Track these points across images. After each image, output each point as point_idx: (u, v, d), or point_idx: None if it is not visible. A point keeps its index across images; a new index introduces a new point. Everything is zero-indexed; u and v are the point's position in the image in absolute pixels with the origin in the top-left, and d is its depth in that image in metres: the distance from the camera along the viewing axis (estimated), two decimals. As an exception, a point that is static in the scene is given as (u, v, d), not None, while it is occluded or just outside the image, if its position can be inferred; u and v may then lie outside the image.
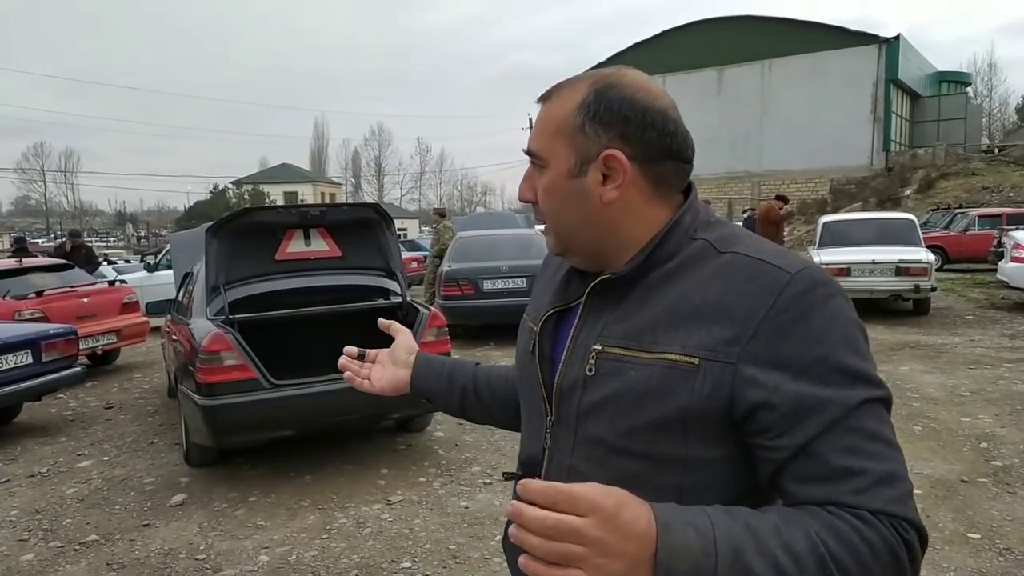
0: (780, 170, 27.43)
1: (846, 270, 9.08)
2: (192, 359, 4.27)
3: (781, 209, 12.26)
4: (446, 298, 9.00)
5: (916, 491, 0.85)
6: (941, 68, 33.29)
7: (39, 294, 7.60)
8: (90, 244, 17.54)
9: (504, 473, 0.90)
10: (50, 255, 11.63)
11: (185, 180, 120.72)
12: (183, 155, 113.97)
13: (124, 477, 4.69)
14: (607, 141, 0.84)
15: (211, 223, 5.00)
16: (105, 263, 16.56)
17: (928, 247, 9.94)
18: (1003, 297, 11.06)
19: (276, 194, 55.80)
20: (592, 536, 0.64)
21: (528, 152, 0.91)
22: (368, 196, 74.11)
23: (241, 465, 4.75)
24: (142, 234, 66.56)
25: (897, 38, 26.21)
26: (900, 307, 9.91)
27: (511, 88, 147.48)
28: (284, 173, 65.39)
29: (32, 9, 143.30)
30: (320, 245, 5.14)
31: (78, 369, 6.10)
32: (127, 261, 22.32)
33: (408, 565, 3.34)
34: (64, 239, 12.69)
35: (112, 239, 66.15)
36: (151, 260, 13.61)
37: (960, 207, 18.24)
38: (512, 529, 0.66)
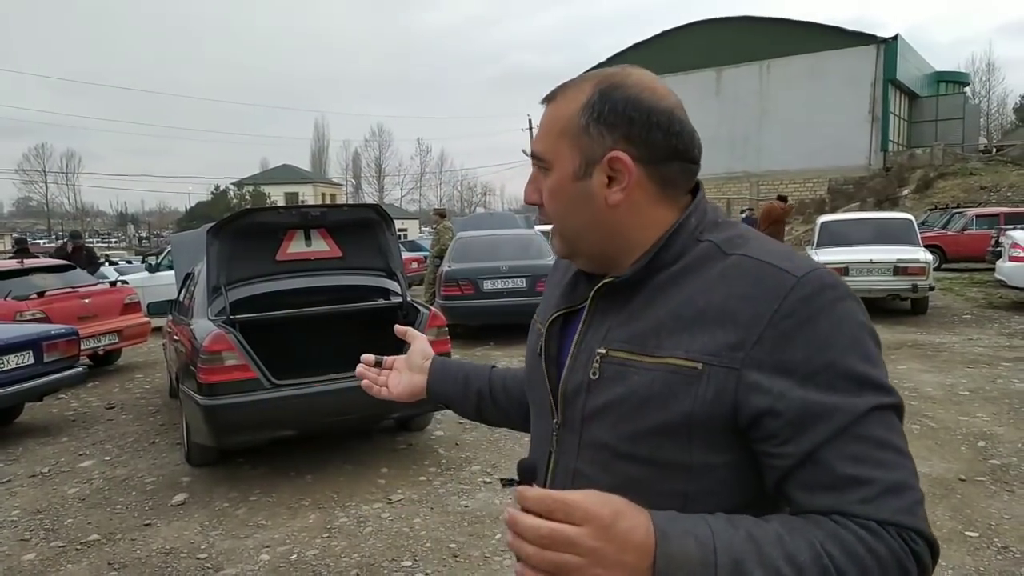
0: (778, 170, 27.45)
1: (844, 270, 9.09)
2: (193, 359, 4.28)
3: (782, 209, 12.36)
4: (446, 298, 9.01)
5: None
6: (939, 68, 33.30)
7: (40, 295, 7.61)
8: (91, 245, 17.56)
9: (502, 479, 0.90)
10: (51, 256, 11.63)
11: (186, 181, 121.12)
12: (184, 156, 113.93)
13: (125, 477, 4.70)
14: (612, 143, 0.82)
15: (212, 224, 5.01)
16: (106, 264, 16.57)
17: (926, 247, 9.96)
18: (1001, 296, 11.08)
19: (277, 195, 55.77)
20: (587, 546, 0.64)
21: (532, 154, 0.90)
22: (368, 197, 74.12)
23: (242, 465, 4.77)
24: (143, 235, 66.56)
25: (895, 38, 26.23)
26: (898, 306, 9.93)
27: (511, 88, 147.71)
28: (285, 174, 65.36)
29: (33, 9, 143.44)
30: (321, 246, 5.15)
31: (79, 369, 6.11)
32: (128, 262, 22.30)
33: (409, 564, 3.36)
34: (65, 240, 12.68)
35: (113, 240, 66.15)
36: (152, 261, 13.61)
37: (958, 207, 18.25)
38: (508, 537, 0.66)
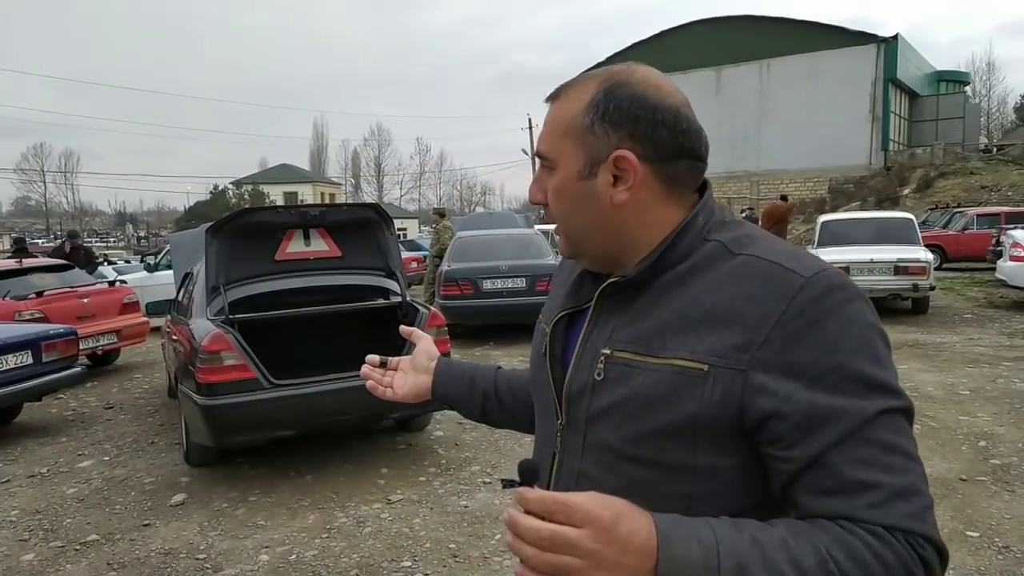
0: (778, 170, 27.45)
1: (845, 269, 8.97)
2: (192, 359, 4.27)
3: (785, 208, 12.44)
4: (446, 298, 9.00)
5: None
6: (939, 67, 33.31)
7: (39, 294, 7.61)
8: (89, 245, 17.53)
9: (502, 480, 0.89)
10: (49, 256, 11.62)
11: (185, 180, 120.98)
12: (183, 155, 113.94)
13: (124, 477, 4.69)
14: (617, 141, 0.81)
15: (211, 223, 5.01)
16: (105, 263, 16.57)
17: (927, 246, 9.95)
18: (1002, 296, 11.08)
19: (276, 194, 55.77)
20: (587, 548, 0.63)
21: (537, 154, 0.89)
22: (368, 196, 74.10)
23: (241, 465, 4.76)
24: (142, 234, 66.64)
25: (895, 38, 26.24)
26: (899, 306, 9.92)
27: (511, 88, 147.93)
28: (284, 173, 65.38)
29: (32, 9, 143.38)
30: (320, 245, 5.14)
31: (78, 369, 6.10)
32: (127, 261, 22.33)
33: (408, 564, 3.35)
34: (63, 240, 12.67)
35: (112, 239, 66.18)
36: (151, 260, 13.61)
37: (958, 206, 18.26)
38: (508, 538, 0.66)
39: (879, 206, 21.10)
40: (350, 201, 52.60)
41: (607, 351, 0.83)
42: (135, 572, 3.40)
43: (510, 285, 8.97)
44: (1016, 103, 53.17)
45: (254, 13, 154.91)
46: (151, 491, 4.42)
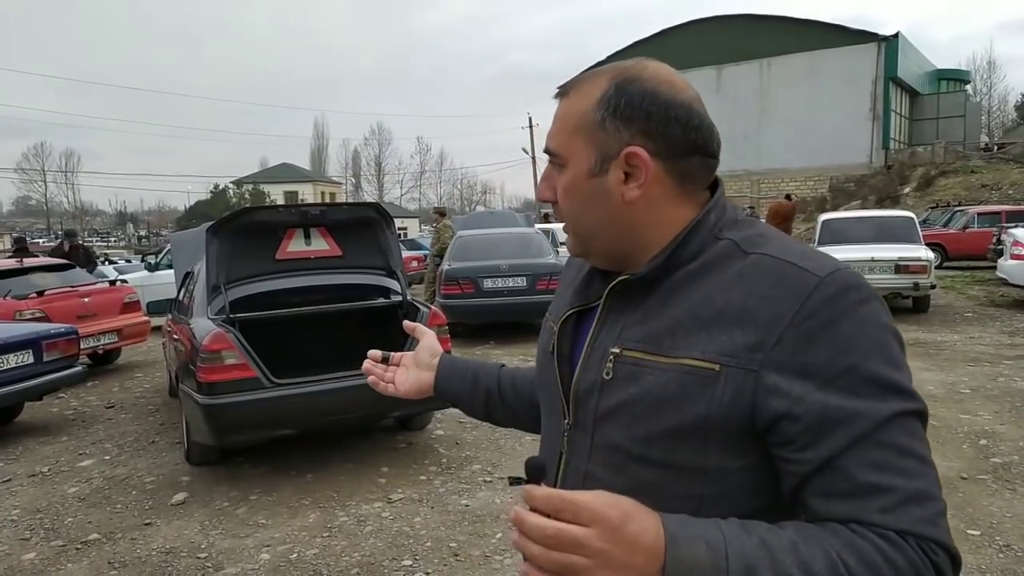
0: (779, 168, 27.45)
1: (846, 268, 9.08)
2: (193, 358, 4.27)
3: (791, 207, 12.50)
4: (446, 297, 9.01)
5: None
6: (940, 66, 33.32)
7: (40, 294, 7.61)
8: (89, 244, 17.53)
9: (509, 478, 0.87)
10: (48, 256, 11.62)
11: (185, 180, 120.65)
12: (183, 155, 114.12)
13: (125, 476, 4.70)
14: (629, 138, 0.80)
15: (211, 223, 5.00)
16: (105, 263, 16.57)
17: (927, 245, 9.95)
18: (1002, 294, 11.08)
19: (276, 194, 55.80)
20: (594, 547, 0.62)
21: (546, 150, 0.87)
22: (368, 195, 74.13)
23: (242, 464, 4.76)
24: (143, 234, 66.68)
25: (896, 36, 26.23)
26: (900, 305, 9.91)
27: (511, 87, 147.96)
28: (284, 173, 65.40)
29: (32, 9, 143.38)
30: (320, 244, 5.14)
31: (79, 369, 6.10)
32: (128, 261, 22.32)
33: (409, 563, 3.35)
34: (61, 239, 12.68)
35: (113, 239, 66.25)
36: (152, 260, 13.61)
37: (959, 205, 18.27)
38: (514, 536, 0.65)
39: (880, 205, 21.09)
40: (350, 200, 52.61)
41: (616, 350, 0.82)
42: (136, 571, 3.40)
43: (510, 284, 8.97)
44: (1017, 101, 53.16)
45: (254, 13, 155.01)
46: (152, 490, 4.42)
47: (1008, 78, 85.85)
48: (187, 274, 6.05)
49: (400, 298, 5.31)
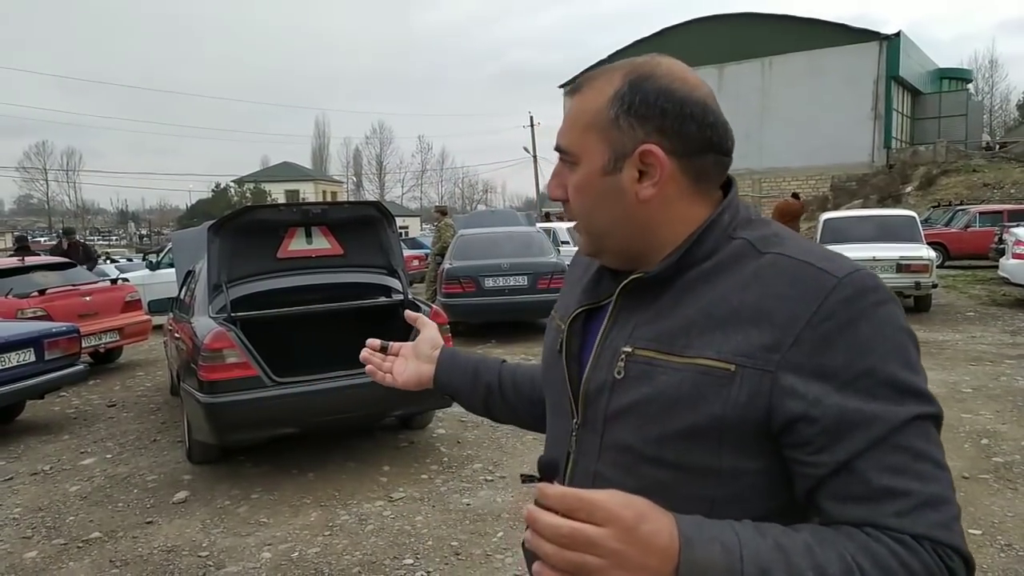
0: (781, 167, 27.41)
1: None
2: (194, 357, 4.28)
3: (798, 206, 12.50)
4: (447, 295, 9.00)
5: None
6: (942, 65, 33.26)
7: (41, 292, 7.62)
8: (90, 243, 17.55)
9: (522, 475, 0.86)
10: (48, 254, 11.64)
11: (187, 179, 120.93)
12: (185, 154, 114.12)
13: (127, 475, 4.70)
14: (644, 135, 0.79)
15: (213, 221, 5.01)
16: (106, 261, 16.59)
17: (929, 244, 9.95)
18: (1004, 294, 11.06)
19: (278, 192, 55.75)
20: (609, 548, 0.62)
21: (557, 148, 0.86)
22: (369, 194, 74.17)
23: (243, 462, 4.77)
24: (144, 232, 66.77)
25: (898, 35, 26.18)
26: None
27: (512, 86, 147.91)
28: (286, 171, 65.39)
29: (34, 8, 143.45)
30: (322, 243, 5.14)
31: (81, 367, 6.11)
32: (129, 259, 22.36)
33: (410, 562, 3.36)
34: (60, 237, 12.70)
35: (114, 238, 66.36)
36: (153, 258, 13.64)
37: (961, 204, 18.25)
38: (527, 535, 0.64)
39: (881, 204, 21.05)
40: (352, 199, 52.59)
41: (628, 349, 0.81)
42: (138, 570, 3.40)
43: (512, 283, 8.97)
44: (1019, 100, 53.07)
45: (256, 12, 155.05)
46: (153, 489, 4.43)
47: (1010, 77, 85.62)
48: (188, 273, 6.05)
49: (401, 297, 5.31)
